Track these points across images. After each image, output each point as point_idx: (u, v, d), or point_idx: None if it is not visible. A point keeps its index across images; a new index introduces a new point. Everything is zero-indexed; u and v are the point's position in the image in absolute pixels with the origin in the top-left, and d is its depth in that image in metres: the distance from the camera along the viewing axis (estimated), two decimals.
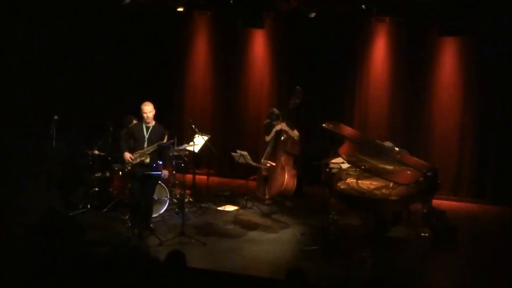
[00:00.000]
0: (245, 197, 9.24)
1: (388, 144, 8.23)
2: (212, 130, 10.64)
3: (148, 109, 7.61)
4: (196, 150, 9.15)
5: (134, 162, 7.57)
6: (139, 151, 7.59)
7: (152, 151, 7.60)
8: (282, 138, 8.89)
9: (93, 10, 9.32)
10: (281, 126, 8.86)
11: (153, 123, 7.69)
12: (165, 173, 7.87)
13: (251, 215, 8.91)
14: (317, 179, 8.84)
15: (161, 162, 7.94)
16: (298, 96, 8.77)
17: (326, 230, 7.73)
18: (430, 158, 9.47)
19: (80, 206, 8.73)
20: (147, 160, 7.59)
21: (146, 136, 7.63)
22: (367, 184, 7.66)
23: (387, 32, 10.17)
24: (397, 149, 8.20)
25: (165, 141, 7.67)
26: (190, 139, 9.13)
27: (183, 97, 11.36)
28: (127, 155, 7.57)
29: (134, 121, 8.27)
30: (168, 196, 8.65)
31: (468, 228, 8.46)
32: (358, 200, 7.32)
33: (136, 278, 5.11)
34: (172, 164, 8.93)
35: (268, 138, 9.06)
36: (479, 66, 9.80)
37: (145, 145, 7.61)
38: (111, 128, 8.86)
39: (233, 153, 8.93)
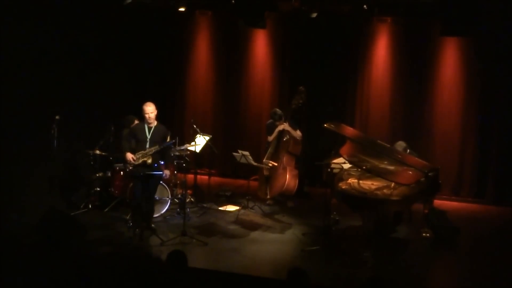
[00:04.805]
0: (247, 197, 9.24)
1: (401, 144, 8.22)
2: (213, 130, 10.66)
3: (150, 110, 7.62)
4: (198, 150, 9.15)
5: (137, 162, 7.57)
6: (141, 152, 7.59)
7: (154, 151, 7.60)
8: (285, 138, 8.90)
9: (95, 9, 9.32)
10: (284, 126, 8.86)
11: (155, 123, 7.69)
12: (166, 172, 7.87)
13: (253, 215, 8.91)
14: (319, 179, 8.85)
15: (162, 162, 7.94)
16: (301, 96, 8.78)
17: (328, 230, 7.74)
18: (431, 158, 9.46)
19: (82, 206, 8.74)
20: (149, 161, 7.60)
21: (148, 137, 7.63)
22: (368, 184, 7.66)
23: (389, 32, 10.18)
24: (408, 150, 8.21)
25: (167, 141, 7.69)
26: (192, 139, 9.13)
27: (184, 97, 11.36)
28: (129, 156, 7.57)
29: (136, 121, 8.28)
30: (170, 196, 8.65)
31: (469, 229, 8.46)
32: (359, 200, 7.32)
33: (137, 278, 5.11)
34: (173, 164, 8.93)
35: (270, 138, 9.06)
36: (481, 66, 9.80)
37: (147, 145, 7.62)
38: (112, 128, 8.86)
39: (234, 153, 8.93)
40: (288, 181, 8.74)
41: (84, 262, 6.25)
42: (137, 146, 7.68)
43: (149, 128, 7.67)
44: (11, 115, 8.10)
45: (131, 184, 8.04)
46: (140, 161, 7.57)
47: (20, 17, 8.19)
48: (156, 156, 7.67)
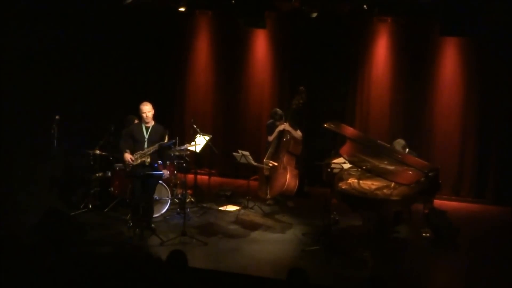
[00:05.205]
0: (247, 197, 9.24)
1: (400, 142, 8.21)
2: (213, 130, 10.66)
3: (147, 109, 7.61)
4: (198, 150, 9.15)
5: (135, 163, 7.57)
6: (139, 152, 7.58)
7: (153, 151, 7.60)
8: (285, 138, 8.90)
9: (95, 9, 9.32)
10: (284, 126, 8.87)
11: (152, 123, 7.69)
12: (165, 172, 7.87)
13: (253, 215, 8.91)
14: (319, 179, 8.84)
15: (161, 162, 7.93)
16: (301, 96, 8.78)
17: (328, 230, 7.72)
18: (431, 158, 9.46)
19: (81, 206, 8.74)
20: (148, 160, 7.59)
21: (146, 137, 7.63)
22: (368, 184, 7.66)
23: (389, 32, 10.18)
24: (407, 149, 8.21)
25: (165, 141, 7.68)
26: (192, 139, 9.13)
27: (184, 97, 11.36)
28: (128, 156, 7.56)
29: (136, 121, 8.28)
30: (170, 196, 8.65)
31: (469, 228, 8.45)
32: (359, 200, 7.32)
33: (137, 278, 5.10)
34: (173, 164, 8.93)
35: (271, 138, 9.06)
36: (481, 66, 9.80)
37: (145, 145, 7.61)
38: (112, 128, 8.86)
39: (234, 153, 8.93)
40: (289, 181, 8.74)
41: (84, 262, 6.22)
42: (135, 146, 7.66)
43: (147, 128, 7.66)
44: (11, 115, 8.09)
45: (131, 184, 8.03)
46: (139, 161, 7.57)
47: (20, 17, 8.18)
48: (154, 156, 7.66)
